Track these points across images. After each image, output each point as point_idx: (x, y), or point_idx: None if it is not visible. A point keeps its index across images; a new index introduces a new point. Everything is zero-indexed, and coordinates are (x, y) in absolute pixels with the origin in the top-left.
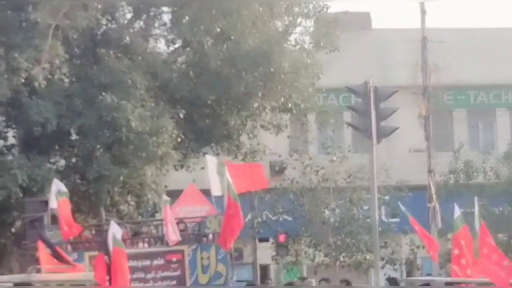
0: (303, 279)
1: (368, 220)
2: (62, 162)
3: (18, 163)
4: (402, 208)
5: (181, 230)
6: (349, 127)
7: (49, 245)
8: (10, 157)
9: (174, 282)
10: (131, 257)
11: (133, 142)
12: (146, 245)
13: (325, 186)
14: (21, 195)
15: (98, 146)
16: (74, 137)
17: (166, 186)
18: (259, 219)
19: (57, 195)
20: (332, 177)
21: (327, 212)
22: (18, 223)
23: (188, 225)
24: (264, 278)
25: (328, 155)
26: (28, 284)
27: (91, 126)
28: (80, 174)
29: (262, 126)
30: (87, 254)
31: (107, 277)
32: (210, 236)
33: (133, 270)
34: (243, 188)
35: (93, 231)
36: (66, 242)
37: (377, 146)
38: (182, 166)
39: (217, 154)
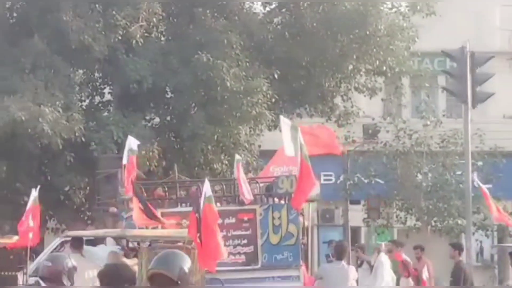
0: (394, 242)
1: (461, 185)
2: (157, 120)
3: (114, 120)
4: (476, 179)
5: (253, 190)
6: (443, 91)
7: (142, 201)
8: (106, 113)
9: (245, 241)
10: None
11: (228, 101)
12: (218, 204)
13: (418, 150)
14: (116, 151)
15: (193, 104)
16: (169, 95)
17: (259, 146)
18: (351, 181)
19: (129, 152)
20: (426, 141)
21: (419, 176)
22: None
23: (260, 184)
24: (355, 240)
25: (422, 119)
26: (123, 238)
27: (187, 85)
28: (174, 132)
29: (356, 89)
30: (159, 211)
31: (198, 234)
32: (282, 196)
33: None
34: (314, 151)
35: (166, 189)
36: None
37: (472, 111)
38: (275, 127)
39: (311, 116)
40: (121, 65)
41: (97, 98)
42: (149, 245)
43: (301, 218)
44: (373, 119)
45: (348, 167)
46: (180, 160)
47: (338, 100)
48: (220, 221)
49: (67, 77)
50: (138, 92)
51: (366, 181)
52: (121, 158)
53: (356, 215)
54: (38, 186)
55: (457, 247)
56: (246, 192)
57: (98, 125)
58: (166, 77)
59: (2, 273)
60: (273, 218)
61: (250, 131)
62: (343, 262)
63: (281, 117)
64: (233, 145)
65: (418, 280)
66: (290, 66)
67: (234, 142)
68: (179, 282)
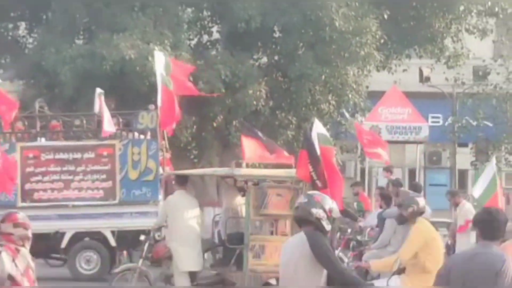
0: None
1: None
2: (265, 59)
3: (221, 59)
4: None
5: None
6: None
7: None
8: (214, 52)
9: (104, 176)
10: (62, 150)
11: (336, 41)
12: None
13: None
14: (223, 90)
15: (301, 44)
16: (277, 34)
17: (367, 87)
18: (460, 124)
19: None
20: None
21: None
22: (219, 118)
23: (120, 119)
24: (462, 183)
25: None
26: (231, 177)
27: (295, 25)
28: (282, 71)
29: (466, 30)
30: (18, 145)
31: (310, 175)
32: (142, 132)
33: (63, 162)
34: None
35: (26, 123)
36: None
37: None
38: (384, 68)
39: (420, 57)
40: (229, 3)
41: (205, 37)
42: (256, 184)
43: (160, 154)
44: (484, 61)
45: (456, 109)
46: (287, 100)
47: (448, 41)
48: (79, 155)
49: (175, 16)
50: (246, 31)
51: (474, 123)
52: None
53: (464, 158)
54: None
55: None
56: (108, 125)
57: (206, 64)
58: (275, 17)
59: None
60: (133, 153)
61: (358, 71)
62: None
63: (155, 52)
64: (341, 86)
65: None
66: (400, 7)
67: (341, 83)
68: None
